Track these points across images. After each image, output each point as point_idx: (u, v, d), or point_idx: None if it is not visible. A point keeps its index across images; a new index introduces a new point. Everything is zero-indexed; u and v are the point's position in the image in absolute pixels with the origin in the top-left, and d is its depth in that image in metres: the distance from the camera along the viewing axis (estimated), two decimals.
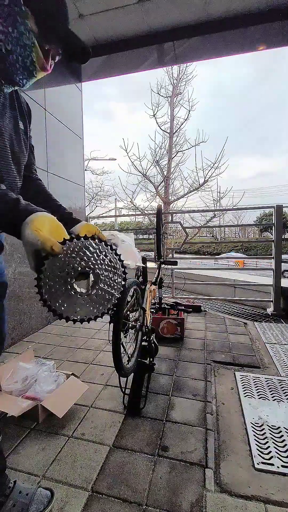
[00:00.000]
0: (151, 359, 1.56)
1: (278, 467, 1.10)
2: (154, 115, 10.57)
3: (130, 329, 1.43)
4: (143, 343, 1.55)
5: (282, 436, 1.26)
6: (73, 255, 0.55)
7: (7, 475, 0.90)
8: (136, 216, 24.98)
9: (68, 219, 0.92)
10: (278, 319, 3.05)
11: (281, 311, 3.14)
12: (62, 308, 0.56)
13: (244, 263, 14.24)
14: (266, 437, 1.25)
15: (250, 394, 1.58)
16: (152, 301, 2.11)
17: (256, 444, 1.22)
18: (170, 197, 10.72)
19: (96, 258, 0.58)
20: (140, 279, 1.80)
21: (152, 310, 2.10)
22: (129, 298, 1.41)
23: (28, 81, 0.69)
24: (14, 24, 0.59)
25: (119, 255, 0.61)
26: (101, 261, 0.58)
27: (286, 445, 1.21)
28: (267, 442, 1.23)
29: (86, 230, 0.91)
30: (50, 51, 0.68)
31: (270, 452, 1.17)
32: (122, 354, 1.24)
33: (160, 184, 10.72)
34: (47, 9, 0.62)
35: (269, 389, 1.64)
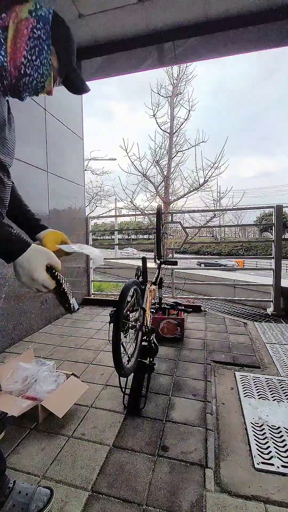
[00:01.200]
0: (151, 359, 1.56)
1: (278, 467, 1.10)
2: (154, 115, 10.56)
3: (130, 329, 1.44)
4: (143, 343, 1.55)
5: (282, 436, 1.26)
6: None
7: (7, 476, 0.90)
8: (136, 216, 24.97)
9: (36, 226, 0.95)
10: (278, 319, 3.05)
11: (281, 311, 3.13)
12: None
13: (244, 263, 14.25)
14: (266, 437, 1.25)
15: (250, 394, 1.58)
16: (152, 301, 2.11)
17: (256, 444, 1.22)
18: (170, 197, 10.70)
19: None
20: (140, 279, 1.80)
21: (152, 310, 2.10)
22: (129, 298, 1.41)
23: (29, 97, 0.79)
24: (39, 55, 0.69)
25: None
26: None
27: (286, 445, 1.21)
28: (267, 442, 1.23)
29: (53, 238, 0.93)
30: (58, 80, 0.81)
31: (270, 452, 1.17)
32: (122, 354, 1.24)
33: (160, 184, 10.71)
34: (67, 52, 0.76)
35: (269, 389, 1.64)
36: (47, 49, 0.70)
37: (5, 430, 1.31)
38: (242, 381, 1.72)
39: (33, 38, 0.67)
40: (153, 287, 2.05)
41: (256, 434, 1.28)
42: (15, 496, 0.87)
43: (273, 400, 1.52)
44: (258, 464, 1.11)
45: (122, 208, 13.29)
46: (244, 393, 1.59)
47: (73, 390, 1.50)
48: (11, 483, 0.90)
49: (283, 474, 1.07)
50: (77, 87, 0.84)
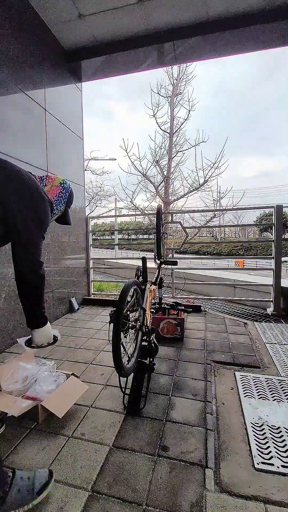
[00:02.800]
0: (151, 359, 1.56)
1: (278, 467, 1.10)
2: (154, 115, 10.56)
3: (130, 329, 1.44)
4: (143, 343, 1.55)
5: (282, 436, 1.26)
6: None
7: (3, 469, 0.93)
8: (136, 216, 24.97)
9: None
10: (278, 319, 3.05)
11: (281, 311, 3.13)
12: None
13: (244, 263, 14.25)
14: (266, 437, 1.25)
15: (250, 394, 1.58)
16: (152, 301, 2.11)
17: (256, 444, 1.22)
18: (170, 197, 10.69)
19: None
20: (140, 279, 1.80)
21: (152, 310, 2.10)
22: (129, 298, 1.41)
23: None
24: (59, 204, 1.20)
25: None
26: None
27: (286, 445, 1.21)
28: (267, 442, 1.23)
29: None
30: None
31: (270, 452, 1.17)
32: (122, 354, 1.24)
33: (160, 184, 10.70)
34: (69, 206, 1.28)
35: (269, 389, 1.64)
36: (63, 202, 1.22)
37: (4, 425, 1.31)
38: (242, 381, 1.72)
39: (58, 196, 1.19)
40: (153, 287, 2.05)
41: (256, 434, 1.28)
42: (19, 482, 0.92)
43: (273, 400, 1.52)
44: (258, 464, 1.11)
45: (122, 208, 13.28)
46: (244, 393, 1.59)
47: (73, 390, 1.50)
48: (10, 472, 0.94)
49: (283, 474, 1.07)
50: (66, 222, 1.31)
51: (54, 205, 1.17)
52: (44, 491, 0.95)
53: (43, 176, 1.20)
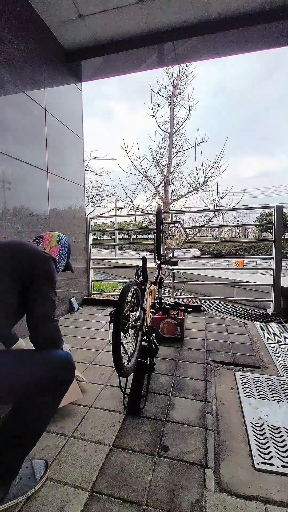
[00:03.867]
0: (151, 359, 1.56)
1: (278, 467, 1.10)
2: (154, 115, 10.55)
3: (130, 329, 1.44)
4: (143, 343, 1.55)
5: (282, 436, 1.26)
6: None
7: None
8: (136, 216, 24.97)
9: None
10: (278, 319, 3.05)
11: (281, 311, 3.13)
12: None
13: (244, 263, 14.24)
14: (266, 437, 1.25)
15: (250, 394, 1.58)
16: (152, 301, 2.11)
17: (256, 444, 1.22)
18: (170, 197, 10.68)
19: None
20: (140, 279, 1.80)
21: (152, 310, 2.10)
22: (129, 298, 1.41)
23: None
24: (61, 260, 1.26)
25: None
26: None
27: (286, 445, 1.21)
28: (267, 442, 1.23)
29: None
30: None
31: (270, 452, 1.17)
32: (122, 354, 1.24)
33: (160, 184, 10.69)
34: (69, 257, 1.32)
35: (269, 389, 1.64)
36: (65, 258, 1.27)
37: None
38: (242, 381, 1.72)
39: (60, 254, 1.24)
40: (153, 287, 2.05)
41: (256, 434, 1.28)
42: (19, 471, 0.99)
43: (273, 400, 1.52)
44: (258, 464, 1.11)
45: (122, 208, 13.25)
46: (244, 393, 1.59)
47: (69, 392, 1.49)
48: None
49: (283, 474, 1.07)
50: (69, 269, 1.36)
51: (57, 262, 1.22)
52: (43, 478, 1.03)
53: (39, 237, 1.23)
